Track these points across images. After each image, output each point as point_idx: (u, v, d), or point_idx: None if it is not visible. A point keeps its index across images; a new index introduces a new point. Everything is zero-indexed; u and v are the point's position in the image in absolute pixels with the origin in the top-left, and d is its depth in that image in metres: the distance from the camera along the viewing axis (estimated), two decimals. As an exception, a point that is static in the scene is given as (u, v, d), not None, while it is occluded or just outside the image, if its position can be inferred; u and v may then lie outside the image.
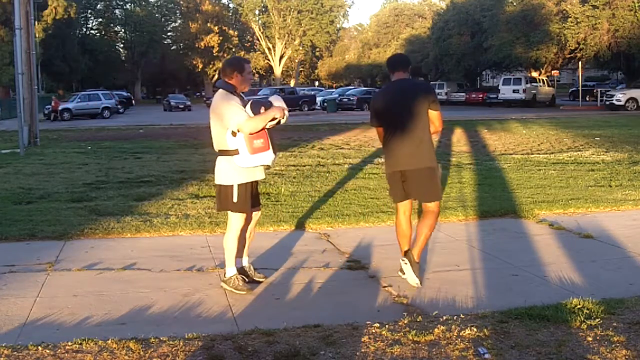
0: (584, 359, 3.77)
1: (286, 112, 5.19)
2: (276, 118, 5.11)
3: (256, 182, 5.37)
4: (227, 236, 5.31)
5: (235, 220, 5.26)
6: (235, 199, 5.16)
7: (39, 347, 3.98)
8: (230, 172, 5.18)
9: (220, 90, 5.24)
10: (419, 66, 58.82)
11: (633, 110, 36.88)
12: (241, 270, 5.39)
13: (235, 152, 5.09)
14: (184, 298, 5.04)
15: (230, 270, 5.28)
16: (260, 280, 5.45)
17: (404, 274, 5.45)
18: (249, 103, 5.16)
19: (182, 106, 52.48)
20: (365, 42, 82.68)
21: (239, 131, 5.02)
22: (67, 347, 3.98)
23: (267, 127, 5.14)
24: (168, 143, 19.64)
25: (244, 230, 5.37)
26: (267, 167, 5.35)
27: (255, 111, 5.07)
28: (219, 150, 5.23)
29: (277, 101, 5.22)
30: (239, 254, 5.40)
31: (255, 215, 5.47)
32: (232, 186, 5.17)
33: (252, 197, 5.32)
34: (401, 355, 3.87)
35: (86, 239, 6.99)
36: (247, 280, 5.34)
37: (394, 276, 5.58)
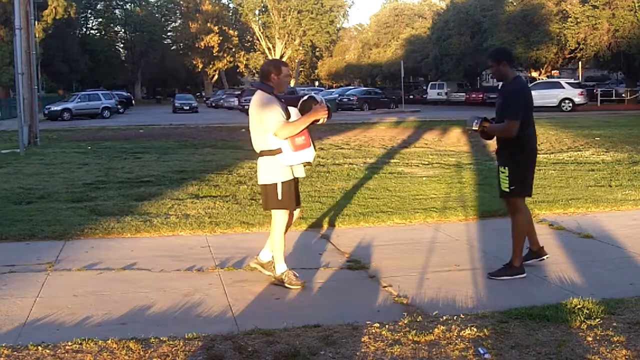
0: (584, 359, 3.77)
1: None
2: (318, 121, 5.25)
3: (297, 179, 5.43)
4: (274, 234, 5.37)
5: (280, 217, 5.33)
6: (280, 197, 5.23)
7: (39, 347, 3.98)
8: (273, 171, 5.24)
9: (259, 90, 5.33)
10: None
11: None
12: (262, 264, 5.50)
13: (278, 151, 5.16)
14: (184, 298, 5.04)
15: (281, 267, 5.34)
16: (269, 274, 5.50)
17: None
18: (301, 101, 5.31)
19: (187, 107, 47.87)
20: (365, 42, 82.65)
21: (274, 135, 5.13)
22: (67, 347, 3.98)
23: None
24: (168, 143, 19.63)
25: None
26: (308, 164, 5.42)
27: (306, 108, 5.23)
28: (261, 151, 5.28)
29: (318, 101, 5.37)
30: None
31: (295, 213, 5.52)
32: (275, 184, 5.23)
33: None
34: (401, 355, 3.87)
35: (86, 239, 6.99)
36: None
37: (394, 276, 5.58)
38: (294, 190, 5.37)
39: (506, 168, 5.55)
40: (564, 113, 36.34)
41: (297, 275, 5.36)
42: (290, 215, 5.46)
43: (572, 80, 42.29)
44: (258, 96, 5.27)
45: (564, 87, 39.03)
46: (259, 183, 5.42)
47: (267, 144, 5.19)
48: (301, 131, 5.16)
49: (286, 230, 5.47)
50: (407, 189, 10.03)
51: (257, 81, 5.48)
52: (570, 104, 37.99)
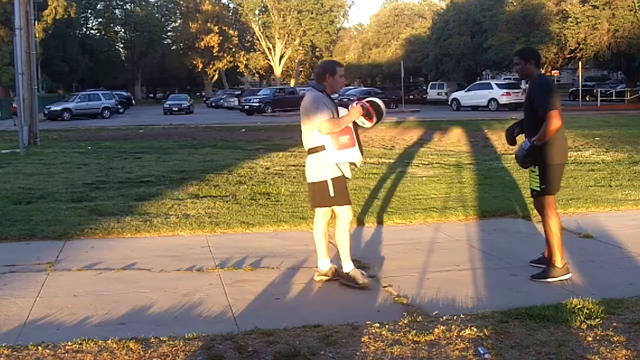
0: (584, 359, 3.77)
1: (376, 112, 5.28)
2: (363, 123, 5.27)
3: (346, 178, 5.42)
4: (338, 232, 5.36)
5: (343, 214, 5.31)
6: (332, 193, 5.22)
7: (39, 347, 3.98)
8: (321, 168, 5.25)
9: (311, 89, 5.40)
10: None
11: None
12: (322, 274, 5.46)
13: (322, 148, 5.18)
14: (184, 298, 5.04)
15: (348, 265, 5.33)
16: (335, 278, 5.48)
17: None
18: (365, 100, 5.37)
19: (175, 109, 44.35)
20: (365, 42, 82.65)
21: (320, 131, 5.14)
22: (67, 347, 3.98)
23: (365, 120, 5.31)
24: (168, 143, 19.64)
25: (325, 228, 5.45)
26: (354, 166, 5.42)
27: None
28: (309, 149, 5.31)
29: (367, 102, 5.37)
30: (323, 255, 5.49)
31: (329, 213, 5.47)
32: (326, 181, 5.23)
33: None
34: (401, 355, 3.87)
35: (86, 239, 6.99)
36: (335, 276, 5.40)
37: (394, 276, 5.58)
38: (346, 187, 5.36)
39: (536, 167, 5.49)
40: (564, 113, 36.32)
41: (364, 273, 5.35)
42: (327, 215, 5.41)
43: (502, 82, 44.55)
44: (309, 94, 5.35)
45: (492, 88, 41.39)
46: (307, 181, 5.41)
47: (313, 141, 5.22)
48: (346, 130, 5.17)
49: (323, 230, 5.41)
50: (407, 189, 10.03)
51: (312, 80, 5.49)
52: (495, 104, 40.16)
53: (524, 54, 5.71)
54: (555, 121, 5.27)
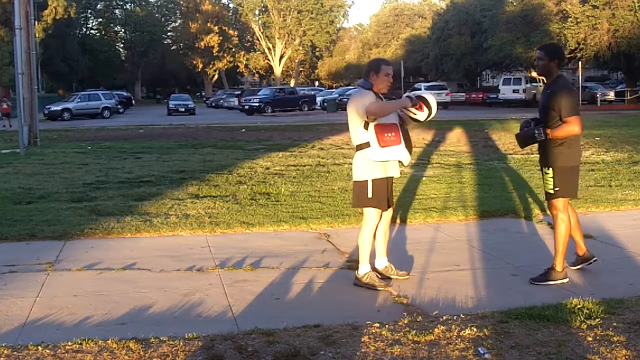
0: (584, 359, 3.77)
1: (425, 109, 5.28)
2: (411, 113, 5.26)
3: (391, 179, 5.38)
4: (362, 233, 5.33)
5: (371, 216, 5.28)
6: (369, 195, 5.19)
7: (39, 347, 3.98)
8: (365, 168, 5.22)
9: (358, 86, 5.42)
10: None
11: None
12: (377, 272, 5.43)
13: (367, 145, 5.15)
14: (184, 298, 5.04)
15: (364, 267, 5.31)
16: (403, 278, 5.45)
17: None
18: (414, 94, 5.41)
19: (182, 109, 43.53)
20: (365, 42, 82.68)
21: (368, 119, 5.10)
22: (67, 347, 3.98)
23: (413, 115, 5.32)
24: (168, 143, 19.64)
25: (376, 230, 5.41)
26: (402, 164, 5.39)
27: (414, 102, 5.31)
28: (356, 146, 5.29)
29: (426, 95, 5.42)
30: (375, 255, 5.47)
31: (387, 213, 5.45)
32: (366, 181, 5.20)
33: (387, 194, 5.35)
34: (401, 355, 3.87)
35: (86, 239, 6.99)
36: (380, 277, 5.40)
37: (394, 276, 5.57)
38: (387, 190, 5.32)
39: (550, 169, 5.39)
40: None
41: (379, 275, 5.34)
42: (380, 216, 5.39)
43: (428, 84, 49.50)
44: (355, 91, 5.38)
45: (420, 89, 46.67)
46: (352, 179, 5.39)
47: (359, 137, 5.20)
48: (391, 127, 5.14)
49: (376, 230, 5.38)
50: (406, 189, 10.03)
51: (361, 79, 5.51)
52: None
53: (551, 51, 5.53)
54: (576, 127, 5.23)
